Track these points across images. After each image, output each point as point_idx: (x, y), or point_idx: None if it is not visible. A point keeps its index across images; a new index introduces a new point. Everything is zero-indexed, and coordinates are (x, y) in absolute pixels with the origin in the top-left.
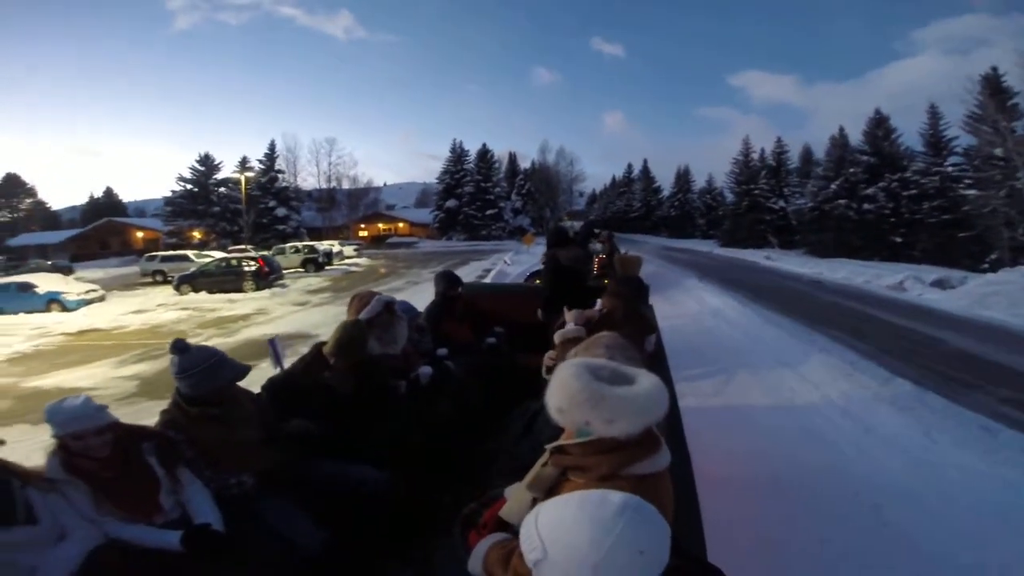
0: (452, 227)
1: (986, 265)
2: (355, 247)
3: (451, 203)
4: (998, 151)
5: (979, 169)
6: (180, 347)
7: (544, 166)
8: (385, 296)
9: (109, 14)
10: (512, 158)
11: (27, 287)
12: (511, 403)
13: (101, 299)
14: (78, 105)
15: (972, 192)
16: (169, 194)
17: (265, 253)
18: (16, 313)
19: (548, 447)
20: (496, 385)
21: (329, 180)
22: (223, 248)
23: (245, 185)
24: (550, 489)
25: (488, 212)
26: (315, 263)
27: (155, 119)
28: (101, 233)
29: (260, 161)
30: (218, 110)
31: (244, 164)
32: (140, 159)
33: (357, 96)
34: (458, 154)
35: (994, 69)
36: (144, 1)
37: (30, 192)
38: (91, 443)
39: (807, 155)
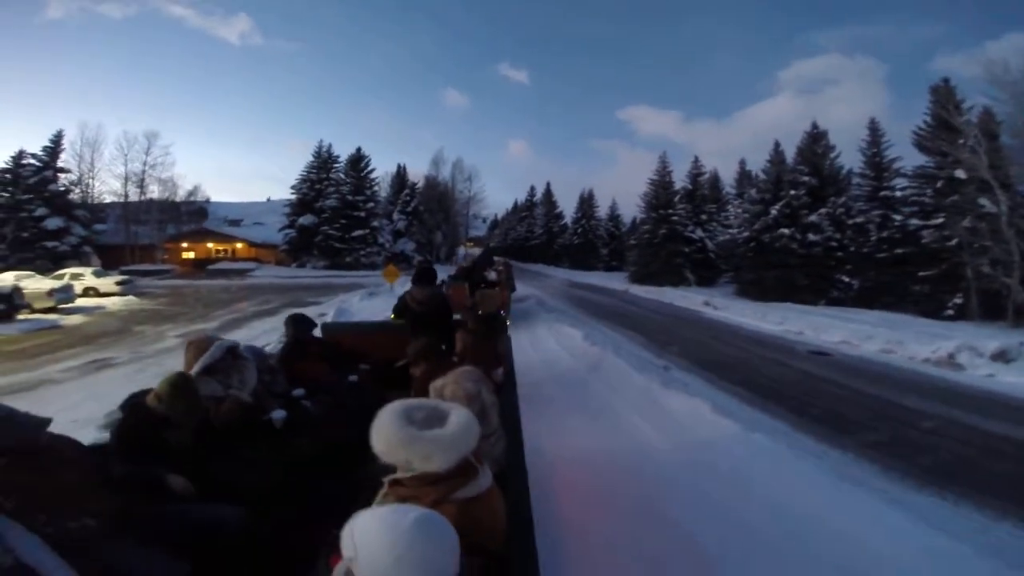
0: (306, 250)
1: (950, 311)
2: (120, 279)
3: (307, 219)
4: (959, 172)
5: (941, 193)
6: None
7: (435, 180)
8: (227, 341)
9: None
10: (401, 171)
11: None
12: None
13: None
14: None
15: (918, 221)
16: None
17: None
18: None
19: (385, 480)
20: (362, 421)
21: (140, 184)
22: None
23: None
24: None
25: (355, 233)
26: None
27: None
28: None
29: (34, 156)
30: (82, 111)
31: (18, 159)
32: None
33: (248, 104)
34: (324, 159)
35: (945, 80)
36: None
37: None
38: None
39: (714, 182)
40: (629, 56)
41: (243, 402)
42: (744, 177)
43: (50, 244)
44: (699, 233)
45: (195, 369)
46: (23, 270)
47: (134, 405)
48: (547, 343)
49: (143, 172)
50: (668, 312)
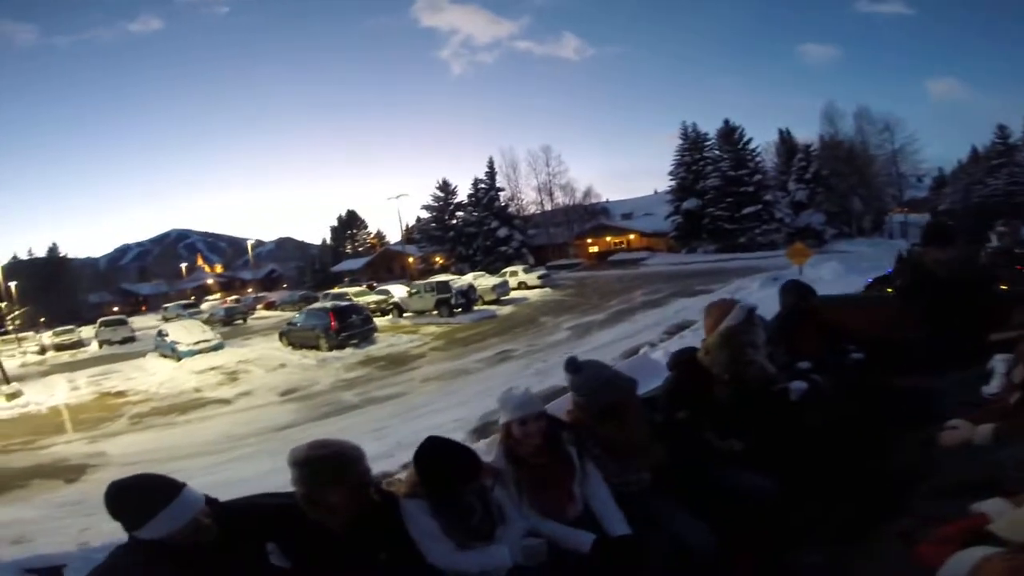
0: (695, 235)
1: None
2: (541, 274)
3: (690, 203)
4: None
5: None
6: (572, 367)
7: (835, 139)
8: (746, 303)
9: (400, 68)
10: (785, 136)
11: (162, 334)
12: (892, 423)
13: (215, 348)
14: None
15: None
16: (416, 221)
17: (365, 298)
18: (163, 355)
19: None
20: (869, 403)
21: (550, 192)
22: (460, 272)
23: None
24: None
25: (746, 211)
26: (448, 305)
27: (440, 158)
28: (385, 260)
29: (479, 180)
30: (497, 138)
31: (476, 184)
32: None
33: (608, 107)
34: (692, 139)
35: None
36: (425, 57)
37: (362, 225)
38: (531, 429)
39: None
40: None
41: (767, 369)
42: None
43: (501, 249)
44: None
45: (720, 330)
46: (483, 270)
47: (683, 360)
48: None
49: (549, 182)
50: None
